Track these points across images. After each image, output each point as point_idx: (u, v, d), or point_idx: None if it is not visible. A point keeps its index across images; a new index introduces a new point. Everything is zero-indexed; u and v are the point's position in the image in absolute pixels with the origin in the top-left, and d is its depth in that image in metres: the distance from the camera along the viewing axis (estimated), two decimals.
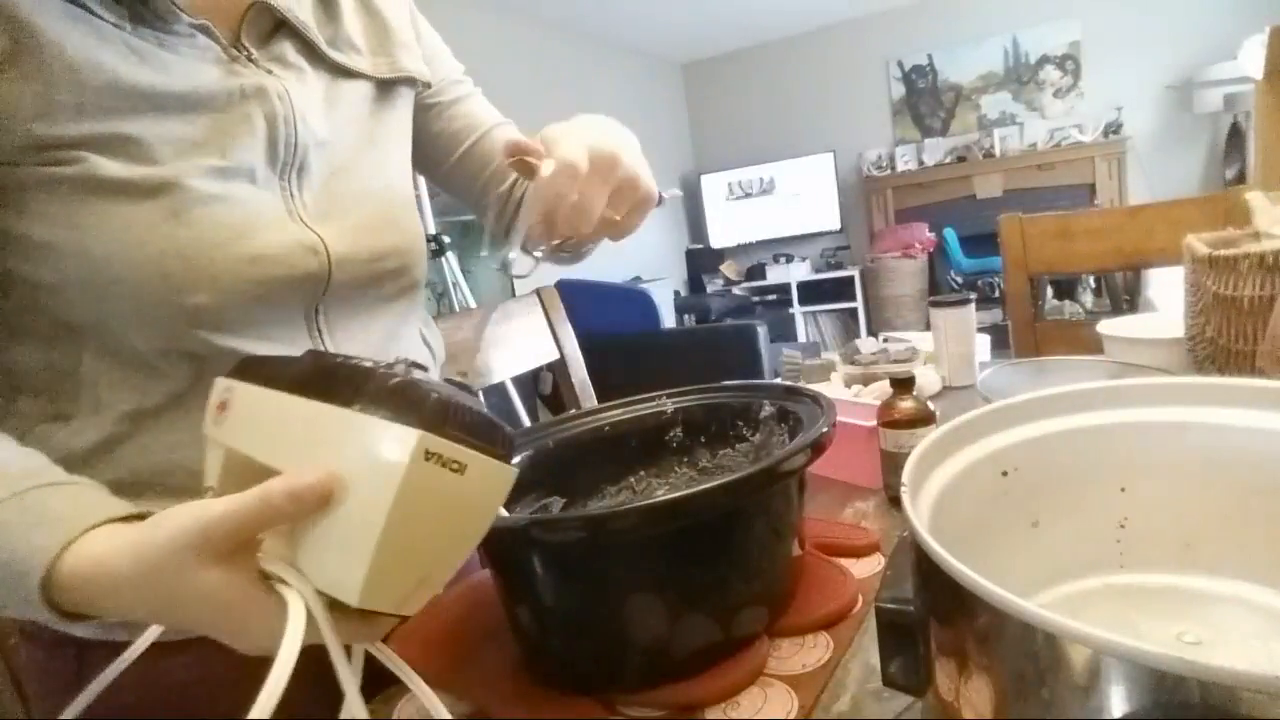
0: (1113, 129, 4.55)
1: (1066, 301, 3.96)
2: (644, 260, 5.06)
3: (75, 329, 0.53)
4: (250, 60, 0.58)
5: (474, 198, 0.79)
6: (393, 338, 0.67)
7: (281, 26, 0.60)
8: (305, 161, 0.59)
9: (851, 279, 5.10)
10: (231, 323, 0.54)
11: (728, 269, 5.59)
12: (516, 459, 0.64)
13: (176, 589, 0.35)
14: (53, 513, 0.39)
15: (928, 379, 1.08)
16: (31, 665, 0.59)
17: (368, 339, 0.64)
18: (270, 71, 0.58)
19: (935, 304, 1.11)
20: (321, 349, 0.60)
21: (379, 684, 0.58)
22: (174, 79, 0.52)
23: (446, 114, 0.76)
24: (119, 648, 0.56)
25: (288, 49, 0.61)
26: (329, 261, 0.58)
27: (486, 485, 0.37)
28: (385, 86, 0.67)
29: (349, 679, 0.37)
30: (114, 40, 0.50)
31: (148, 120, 0.51)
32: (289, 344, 0.58)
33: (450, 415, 0.36)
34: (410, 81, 0.70)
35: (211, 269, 0.52)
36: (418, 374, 0.37)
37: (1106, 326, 1.02)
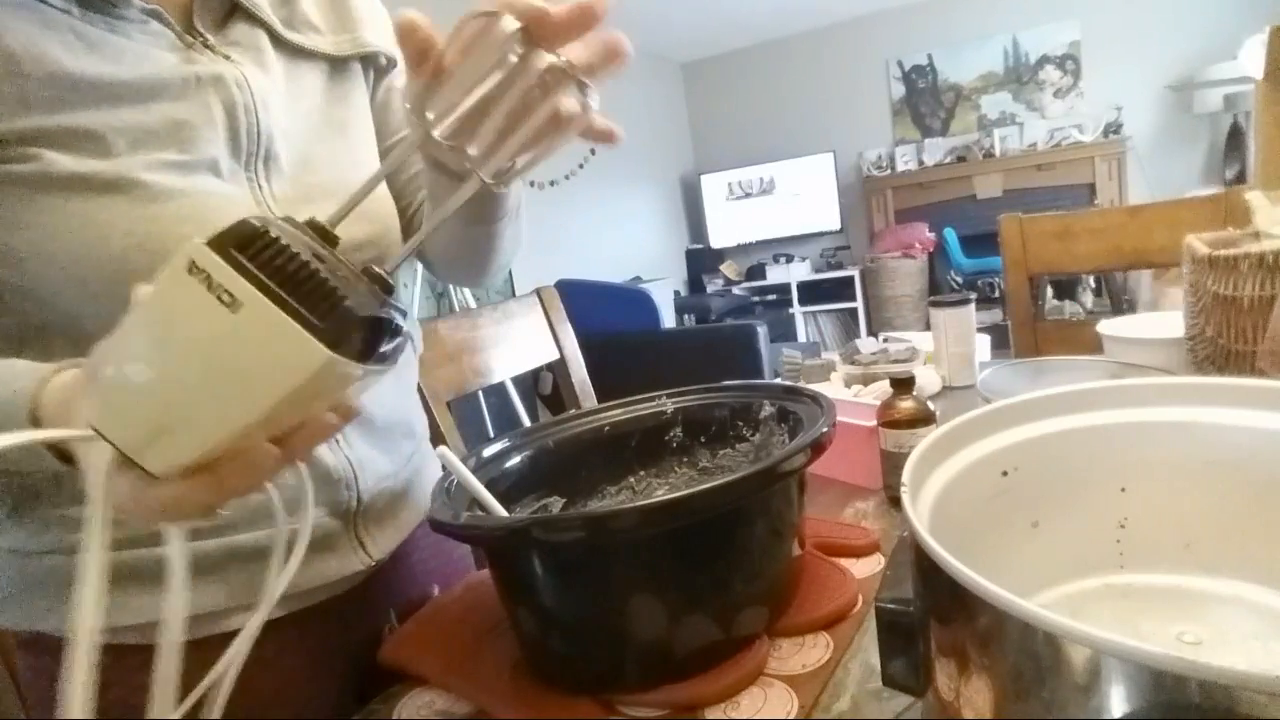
0: (1113, 129, 4.55)
1: (1066, 301, 3.96)
2: (644, 260, 5.06)
3: (43, 329, 0.52)
4: (206, 46, 0.55)
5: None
6: None
7: (236, 10, 0.58)
8: (271, 150, 0.57)
9: (851, 279, 5.10)
10: None
11: (728, 269, 5.59)
12: (516, 459, 0.64)
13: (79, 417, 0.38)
14: (22, 369, 0.43)
15: (928, 379, 1.08)
16: (30, 672, 0.58)
17: None
18: (228, 57, 0.56)
19: (935, 304, 1.11)
20: None
21: (380, 684, 0.58)
22: (125, 67, 0.50)
23: (384, 83, 0.71)
24: (129, 650, 0.55)
25: (244, 32, 0.58)
26: None
27: (268, 343, 0.31)
28: (347, 65, 0.65)
29: (97, 512, 0.35)
30: (60, 27, 0.48)
31: (101, 111, 0.49)
32: None
33: (251, 246, 0.30)
34: (373, 58, 0.67)
35: None
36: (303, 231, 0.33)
37: (1106, 326, 1.02)
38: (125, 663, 0.57)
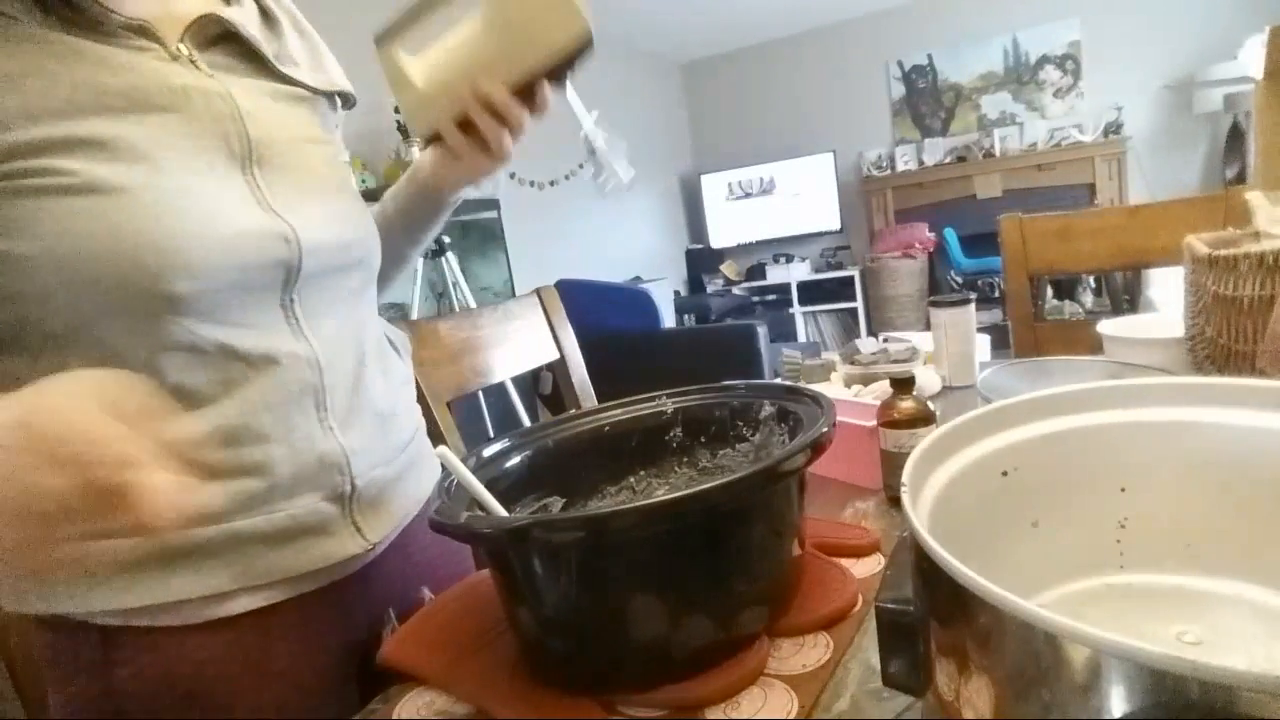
0: (1113, 129, 4.55)
1: (1066, 301, 3.96)
2: (644, 260, 5.06)
3: (60, 339, 0.53)
4: (192, 63, 0.59)
5: None
6: (362, 327, 0.69)
7: (224, 38, 0.62)
8: (262, 155, 0.60)
9: (851, 279, 5.10)
10: (211, 311, 0.55)
11: (728, 269, 5.59)
12: (516, 459, 0.65)
13: None
14: None
15: (928, 379, 1.08)
16: (51, 651, 0.59)
17: (339, 329, 0.65)
18: (211, 76, 0.60)
19: (935, 304, 1.11)
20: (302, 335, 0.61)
21: (379, 684, 0.58)
22: (116, 76, 0.54)
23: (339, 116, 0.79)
24: (139, 632, 0.56)
25: (231, 56, 0.62)
26: (299, 249, 0.60)
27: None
28: (321, 100, 0.71)
29: None
30: (48, 42, 0.52)
31: (100, 120, 0.52)
32: (267, 331, 0.59)
33: None
34: (343, 96, 0.73)
35: (187, 257, 0.53)
36: None
37: (1106, 326, 1.02)
38: (137, 643, 0.57)
